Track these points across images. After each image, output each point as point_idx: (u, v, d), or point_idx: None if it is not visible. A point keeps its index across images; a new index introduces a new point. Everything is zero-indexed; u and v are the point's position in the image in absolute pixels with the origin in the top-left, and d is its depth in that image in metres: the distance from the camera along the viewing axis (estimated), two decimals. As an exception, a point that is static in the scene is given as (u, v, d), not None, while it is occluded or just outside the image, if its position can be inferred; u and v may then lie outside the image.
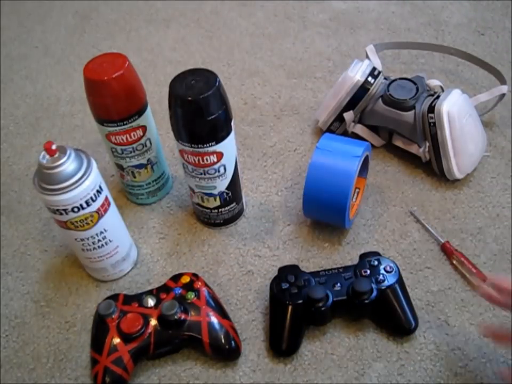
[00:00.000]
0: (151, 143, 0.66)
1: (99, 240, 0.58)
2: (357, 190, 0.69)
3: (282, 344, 0.56)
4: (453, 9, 1.01)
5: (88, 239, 0.57)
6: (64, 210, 0.54)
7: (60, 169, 0.52)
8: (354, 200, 0.68)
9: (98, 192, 0.55)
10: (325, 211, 0.62)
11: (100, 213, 0.56)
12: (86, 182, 0.53)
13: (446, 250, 0.63)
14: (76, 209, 0.54)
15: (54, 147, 0.51)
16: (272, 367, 0.56)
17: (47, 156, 0.52)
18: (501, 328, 0.50)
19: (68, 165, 0.52)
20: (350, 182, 0.60)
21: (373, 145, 0.75)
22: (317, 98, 0.86)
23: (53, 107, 0.90)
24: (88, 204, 0.54)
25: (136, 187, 0.70)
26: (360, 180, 0.69)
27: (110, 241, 0.59)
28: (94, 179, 0.54)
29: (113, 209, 0.59)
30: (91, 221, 0.56)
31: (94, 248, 0.59)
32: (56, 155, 0.52)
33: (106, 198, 0.57)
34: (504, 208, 0.68)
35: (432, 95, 0.69)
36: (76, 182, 0.52)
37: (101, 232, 0.58)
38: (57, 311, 0.62)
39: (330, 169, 0.61)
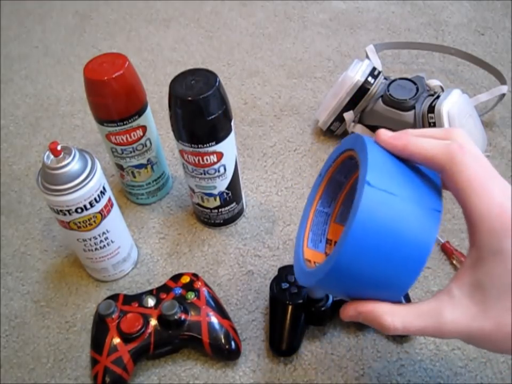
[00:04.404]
0: (151, 143, 0.66)
1: (101, 241, 0.58)
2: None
3: (282, 344, 0.56)
4: (453, 9, 1.01)
5: (90, 239, 0.57)
6: (68, 211, 0.54)
7: (65, 170, 0.52)
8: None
9: (102, 193, 0.55)
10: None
11: (103, 214, 0.56)
12: (91, 183, 0.53)
13: (446, 250, 0.63)
14: (79, 210, 0.54)
15: (59, 147, 0.51)
16: (272, 367, 0.56)
17: (52, 156, 0.52)
18: None
19: (73, 165, 0.52)
20: (421, 260, 0.36)
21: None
22: (317, 98, 0.85)
23: (53, 107, 0.90)
24: (91, 205, 0.54)
25: (136, 187, 0.70)
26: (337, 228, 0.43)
27: (112, 241, 0.59)
28: (98, 180, 0.54)
29: (115, 210, 0.59)
30: (94, 221, 0.56)
31: (96, 249, 0.59)
32: (61, 155, 0.52)
33: (109, 199, 0.57)
34: (504, 208, 0.68)
35: (432, 95, 0.69)
36: (81, 183, 0.52)
37: (104, 233, 0.58)
38: (57, 311, 0.62)
39: (391, 232, 0.36)
